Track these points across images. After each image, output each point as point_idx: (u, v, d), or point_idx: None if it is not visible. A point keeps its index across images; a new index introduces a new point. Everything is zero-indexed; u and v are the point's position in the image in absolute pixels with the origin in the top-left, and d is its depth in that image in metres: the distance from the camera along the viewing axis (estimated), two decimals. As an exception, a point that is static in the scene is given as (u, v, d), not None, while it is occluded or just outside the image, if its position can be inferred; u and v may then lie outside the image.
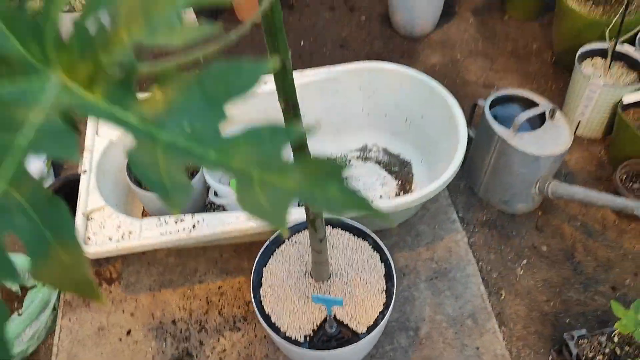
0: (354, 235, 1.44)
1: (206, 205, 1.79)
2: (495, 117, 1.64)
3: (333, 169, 0.24)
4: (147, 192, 1.59)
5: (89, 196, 1.48)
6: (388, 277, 1.36)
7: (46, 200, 0.24)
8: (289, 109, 0.75)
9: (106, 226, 1.43)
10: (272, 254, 1.43)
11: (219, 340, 1.52)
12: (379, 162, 1.85)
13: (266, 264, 1.42)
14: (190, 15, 2.45)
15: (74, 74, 0.25)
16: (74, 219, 1.43)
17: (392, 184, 1.80)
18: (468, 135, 1.55)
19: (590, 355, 1.36)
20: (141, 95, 0.26)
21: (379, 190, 1.79)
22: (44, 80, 0.25)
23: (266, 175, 0.23)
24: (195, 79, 0.25)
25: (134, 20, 0.25)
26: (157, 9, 0.24)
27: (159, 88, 0.26)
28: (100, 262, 1.69)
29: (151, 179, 0.23)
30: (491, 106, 1.68)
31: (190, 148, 0.24)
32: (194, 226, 1.43)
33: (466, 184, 1.85)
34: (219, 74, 0.25)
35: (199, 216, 1.44)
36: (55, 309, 1.60)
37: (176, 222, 1.43)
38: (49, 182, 1.78)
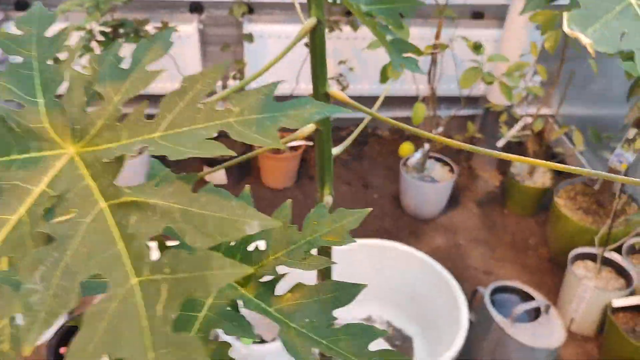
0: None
1: (211, 356, 1.85)
2: (493, 303, 1.77)
3: (402, 361, 0.37)
4: None
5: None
6: None
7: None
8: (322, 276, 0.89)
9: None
10: (274, 416, 1.47)
11: None
12: (381, 335, 1.94)
13: None
14: (220, 173, 2.72)
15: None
16: None
17: (393, 357, 1.86)
18: (468, 320, 1.67)
19: None
20: (279, 294, 0.41)
21: (379, 362, 1.85)
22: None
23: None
24: (314, 289, 0.40)
25: (280, 249, 0.41)
26: (293, 242, 0.40)
27: (290, 292, 0.41)
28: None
29: (294, 354, 0.37)
30: (491, 294, 1.81)
31: (311, 335, 0.38)
32: (201, 377, 1.49)
33: (464, 367, 1.91)
34: (330, 289, 0.40)
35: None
36: None
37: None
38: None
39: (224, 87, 2.65)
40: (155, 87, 2.50)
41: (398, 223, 2.59)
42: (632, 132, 1.77)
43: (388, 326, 1.97)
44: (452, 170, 2.57)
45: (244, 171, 2.82)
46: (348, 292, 0.39)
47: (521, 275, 2.32)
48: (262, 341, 1.83)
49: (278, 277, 0.41)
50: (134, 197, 0.29)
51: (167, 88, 2.57)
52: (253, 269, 0.40)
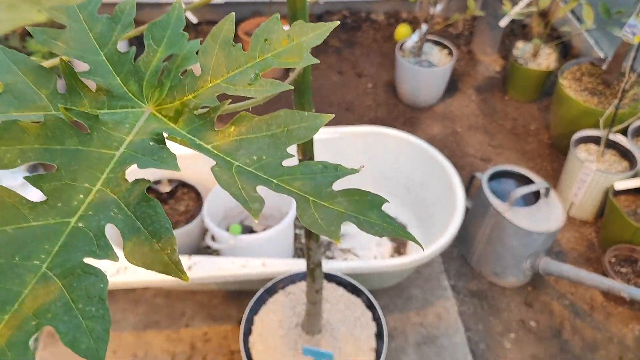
0: (348, 291, 1.46)
1: (201, 249, 1.81)
2: (491, 189, 1.70)
3: (374, 200, 0.28)
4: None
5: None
6: (379, 336, 1.37)
7: (140, 199, 0.28)
8: (305, 159, 0.80)
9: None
10: (265, 303, 1.45)
11: (201, 386, 1.51)
12: (375, 223, 1.90)
13: (258, 312, 1.43)
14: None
15: (163, 109, 0.30)
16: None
17: (387, 245, 1.84)
18: (464, 205, 1.61)
19: None
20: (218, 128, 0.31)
21: (373, 250, 1.82)
22: (139, 111, 0.30)
23: (319, 200, 0.28)
24: (264, 121, 0.30)
25: (220, 73, 0.30)
26: (238, 66, 0.30)
27: (233, 125, 0.31)
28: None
29: (232, 192, 0.28)
30: (488, 179, 1.74)
31: (258, 174, 0.28)
32: (189, 267, 1.45)
33: (459, 252, 1.89)
34: (285, 121, 0.30)
35: (195, 258, 1.46)
36: (36, 339, 1.59)
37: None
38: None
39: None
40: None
41: (393, 112, 2.47)
42: (649, -1, 1.60)
43: (382, 215, 1.93)
44: (450, 53, 2.41)
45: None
46: (306, 123, 0.30)
47: (521, 162, 2.24)
48: (252, 231, 1.79)
49: (217, 108, 0.31)
50: None
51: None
52: (190, 96, 0.29)
